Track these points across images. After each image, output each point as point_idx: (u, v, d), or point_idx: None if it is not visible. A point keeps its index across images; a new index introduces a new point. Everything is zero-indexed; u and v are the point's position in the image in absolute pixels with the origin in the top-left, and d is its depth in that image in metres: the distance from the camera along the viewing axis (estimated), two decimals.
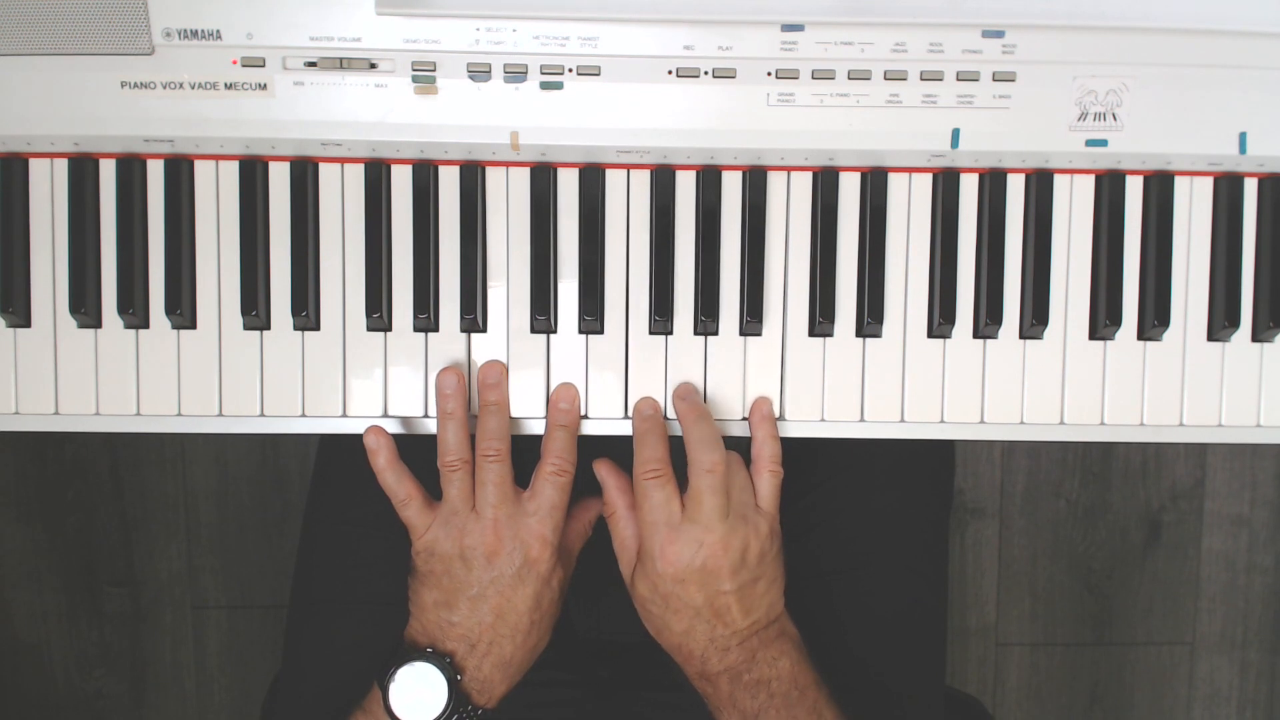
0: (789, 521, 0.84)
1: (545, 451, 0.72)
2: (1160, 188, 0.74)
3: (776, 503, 0.73)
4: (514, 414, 0.73)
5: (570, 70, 0.69)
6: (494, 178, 0.73)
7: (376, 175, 0.72)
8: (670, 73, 0.69)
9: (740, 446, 0.74)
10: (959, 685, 1.57)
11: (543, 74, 0.69)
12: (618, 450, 0.74)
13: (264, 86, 0.68)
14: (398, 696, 0.70)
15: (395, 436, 0.73)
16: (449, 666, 0.70)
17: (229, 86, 0.68)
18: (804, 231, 0.74)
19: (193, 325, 0.73)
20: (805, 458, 0.87)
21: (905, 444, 0.79)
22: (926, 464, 0.88)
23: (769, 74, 0.69)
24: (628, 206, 0.73)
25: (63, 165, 0.72)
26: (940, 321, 0.73)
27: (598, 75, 0.69)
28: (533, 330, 0.73)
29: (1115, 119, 0.70)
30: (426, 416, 0.74)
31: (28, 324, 0.72)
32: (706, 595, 0.70)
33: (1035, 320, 0.73)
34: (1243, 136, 0.71)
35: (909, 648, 0.85)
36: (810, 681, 0.72)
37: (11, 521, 1.51)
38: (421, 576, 0.72)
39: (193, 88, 0.68)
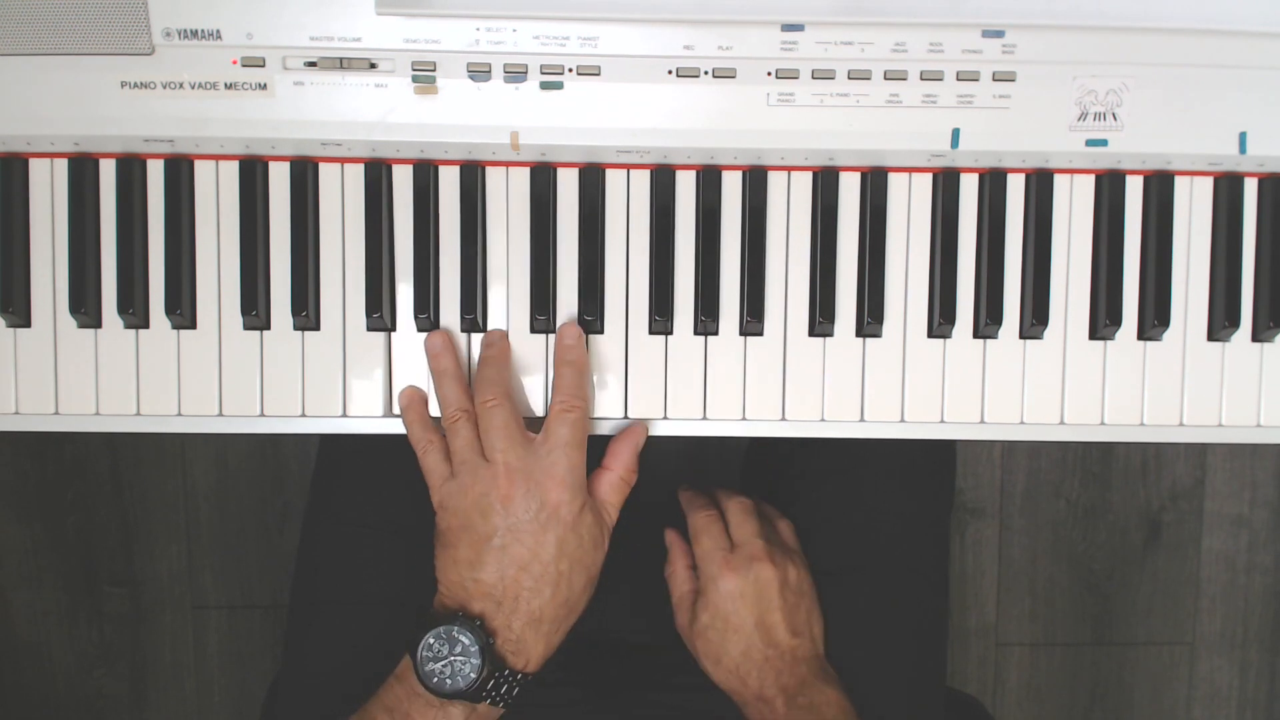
0: (791, 522, 0.84)
1: (554, 391, 0.71)
2: (1160, 188, 0.74)
3: (797, 542, 0.82)
4: None
5: (570, 70, 0.69)
6: (494, 178, 0.73)
7: (376, 175, 0.72)
8: (670, 73, 0.69)
9: (743, 448, 0.74)
10: (959, 685, 1.57)
11: (543, 74, 0.69)
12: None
13: (264, 86, 0.68)
14: (430, 664, 0.67)
15: (394, 436, 0.73)
16: (480, 629, 0.68)
17: (229, 86, 0.68)
18: (804, 231, 0.74)
19: (193, 325, 0.73)
20: (805, 458, 0.87)
21: (905, 444, 0.80)
22: (927, 464, 0.88)
23: (769, 74, 0.69)
24: (628, 206, 0.74)
25: (63, 165, 0.72)
26: (940, 321, 0.73)
27: (598, 75, 0.69)
28: (533, 330, 0.73)
29: (1115, 119, 0.70)
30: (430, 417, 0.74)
31: (28, 324, 0.72)
32: (757, 614, 0.75)
33: (1035, 320, 0.73)
34: (1243, 136, 0.71)
35: (910, 649, 0.85)
36: (854, 713, 0.76)
37: (11, 521, 1.51)
38: (442, 536, 0.71)
39: (193, 88, 0.68)
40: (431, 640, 0.67)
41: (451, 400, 0.70)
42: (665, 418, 0.74)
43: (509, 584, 0.69)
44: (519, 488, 0.68)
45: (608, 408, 0.74)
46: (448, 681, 0.67)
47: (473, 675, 0.67)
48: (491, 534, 0.68)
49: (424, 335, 0.73)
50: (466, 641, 0.67)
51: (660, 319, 0.73)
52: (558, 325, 0.73)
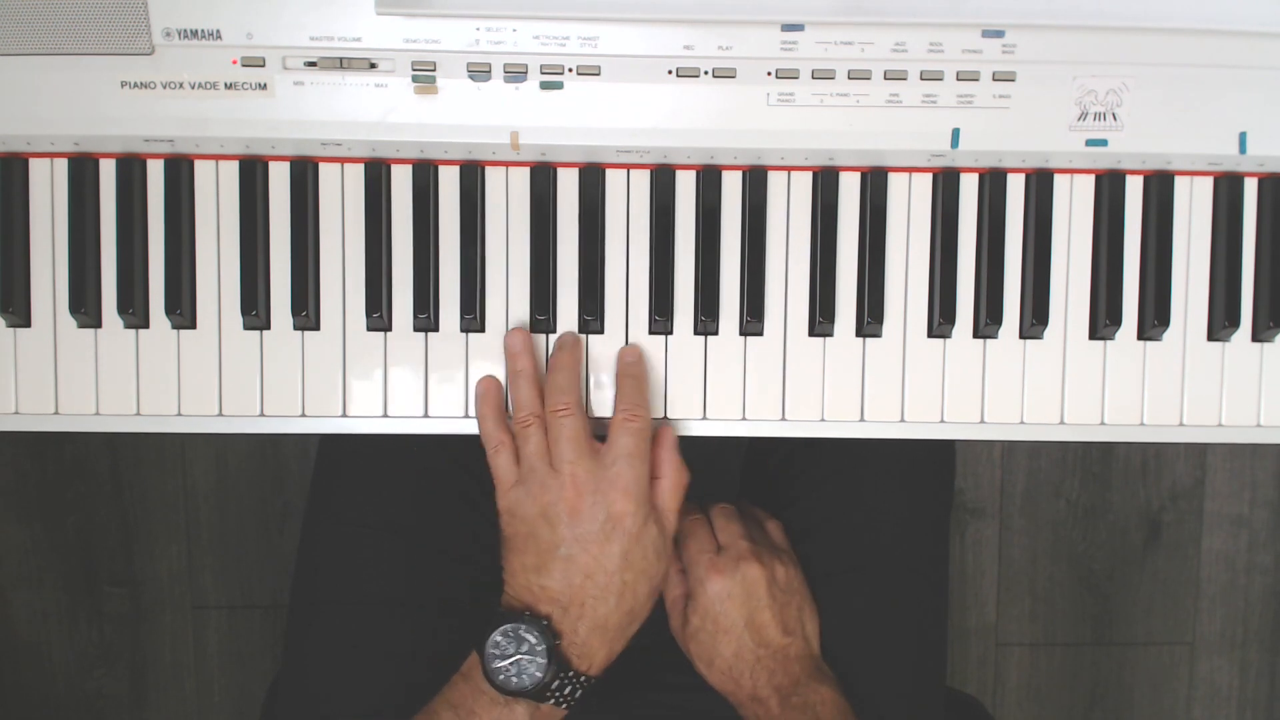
0: (791, 522, 0.84)
1: (617, 402, 0.72)
2: (1160, 188, 0.74)
3: (787, 541, 0.82)
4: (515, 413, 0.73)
5: (570, 70, 0.69)
6: (494, 178, 0.73)
7: (376, 175, 0.72)
8: (670, 73, 0.69)
9: (742, 448, 0.74)
10: (959, 685, 1.57)
11: (543, 74, 0.69)
12: None
13: (264, 86, 0.68)
14: (497, 661, 0.68)
15: (394, 436, 0.73)
16: (548, 629, 0.68)
17: (229, 86, 0.68)
18: (804, 231, 0.74)
19: (193, 325, 0.73)
20: (806, 458, 0.87)
21: (905, 444, 0.79)
22: (927, 464, 0.88)
23: (769, 74, 0.69)
24: (628, 206, 0.74)
25: (63, 165, 0.72)
26: (940, 321, 0.73)
27: (598, 75, 0.69)
28: (532, 330, 0.73)
29: (1115, 119, 0.70)
30: (426, 417, 0.74)
31: (28, 324, 0.72)
32: (746, 614, 0.75)
33: (1035, 320, 0.73)
34: (1243, 136, 0.71)
35: (910, 650, 0.85)
36: (851, 712, 0.76)
37: (11, 521, 1.51)
38: (509, 540, 0.71)
39: (193, 88, 0.68)
40: (499, 638, 0.68)
41: (525, 404, 0.71)
42: (665, 418, 0.74)
43: (574, 591, 0.69)
44: (586, 500, 0.69)
45: (608, 408, 0.74)
46: (514, 679, 0.68)
47: (539, 674, 0.68)
48: (558, 544, 0.69)
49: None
50: (533, 640, 0.68)
51: (660, 319, 0.73)
52: (618, 344, 0.74)
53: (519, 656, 0.68)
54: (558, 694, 0.69)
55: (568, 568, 0.69)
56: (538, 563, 0.70)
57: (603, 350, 0.74)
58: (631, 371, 0.72)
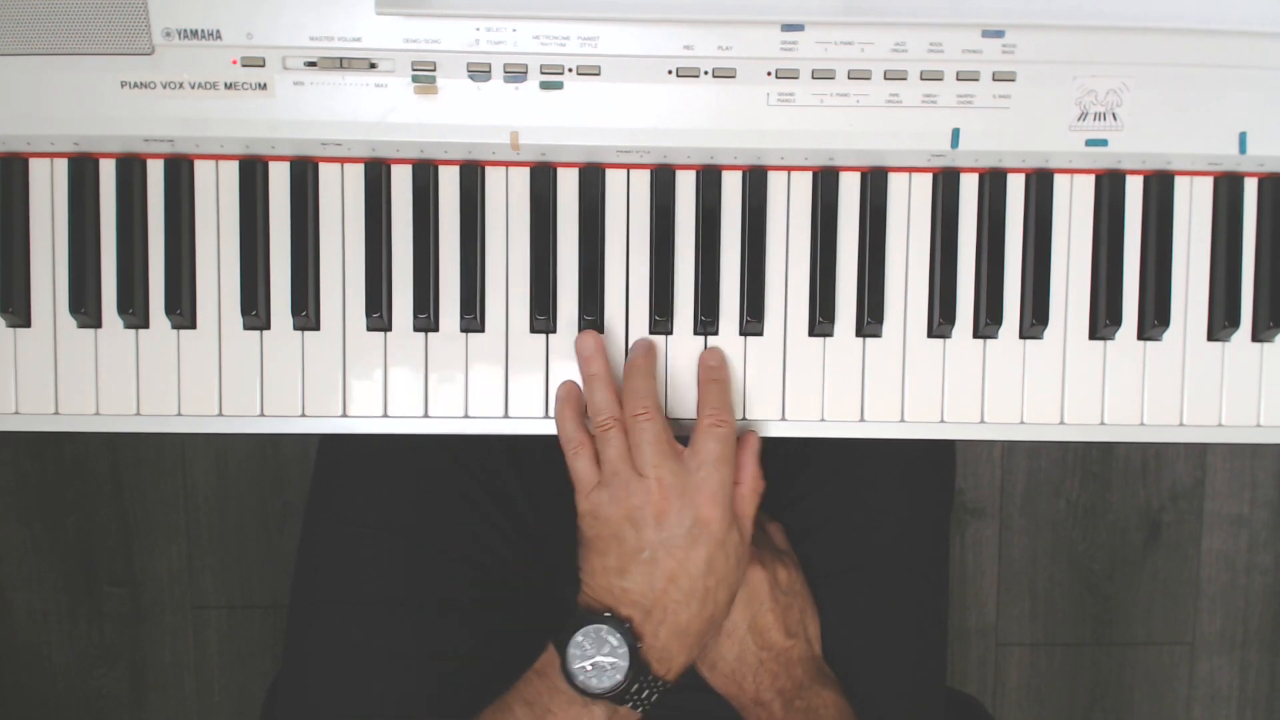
0: (791, 522, 0.84)
1: (701, 405, 0.71)
2: (1160, 188, 0.74)
3: (788, 544, 0.81)
4: (515, 414, 0.73)
5: (570, 70, 0.69)
6: (494, 178, 0.73)
7: (376, 175, 0.72)
8: (670, 73, 0.69)
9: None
10: (959, 685, 1.57)
11: (543, 74, 0.69)
12: None
13: (264, 86, 0.68)
14: (576, 661, 0.68)
15: (394, 436, 0.73)
16: (630, 632, 0.68)
17: (229, 86, 0.68)
18: (804, 231, 0.74)
19: (193, 325, 0.73)
20: (805, 458, 0.87)
21: (905, 444, 0.79)
22: (926, 464, 0.88)
23: (769, 74, 0.69)
24: (628, 206, 0.74)
25: (63, 165, 0.72)
26: (940, 321, 0.73)
27: (598, 75, 0.69)
28: (532, 330, 0.73)
29: (1115, 119, 0.70)
30: (426, 417, 0.74)
31: (28, 324, 0.72)
32: (749, 617, 0.75)
33: (1035, 320, 0.73)
34: (1243, 136, 0.71)
35: (910, 650, 0.85)
36: (853, 716, 0.76)
37: (11, 521, 1.51)
38: (590, 542, 0.71)
39: (193, 88, 0.68)
40: (580, 638, 0.68)
41: (603, 407, 0.70)
42: (669, 418, 0.74)
43: (658, 595, 0.69)
44: (673, 504, 0.69)
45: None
46: (594, 680, 0.68)
47: (619, 677, 0.67)
48: (642, 547, 0.69)
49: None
50: (615, 643, 0.68)
51: (660, 319, 0.73)
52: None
53: (599, 658, 0.67)
54: (636, 697, 0.69)
55: (651, 571, 0.69)
56: (620, 565, 0.69)
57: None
58: (716, 375, 0.72)
